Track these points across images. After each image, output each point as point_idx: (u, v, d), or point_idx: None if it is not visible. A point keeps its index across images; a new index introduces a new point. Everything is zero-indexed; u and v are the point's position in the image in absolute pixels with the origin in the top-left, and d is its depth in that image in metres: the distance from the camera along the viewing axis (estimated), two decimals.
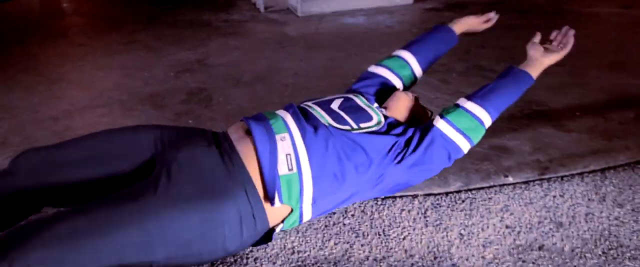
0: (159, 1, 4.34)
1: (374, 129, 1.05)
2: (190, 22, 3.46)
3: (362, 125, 1.05)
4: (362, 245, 1.11)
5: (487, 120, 1.10)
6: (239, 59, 2.58)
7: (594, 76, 2.01)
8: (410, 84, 1.34)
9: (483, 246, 1.08)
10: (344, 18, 3.30)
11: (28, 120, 1.91)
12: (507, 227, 1.14)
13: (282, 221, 1.00)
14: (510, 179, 1.33)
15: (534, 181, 1.32)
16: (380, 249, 1.09)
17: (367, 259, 1.06)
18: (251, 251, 1.10)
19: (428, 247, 1.09)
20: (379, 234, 1.14)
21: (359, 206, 1.25)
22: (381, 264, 1.05)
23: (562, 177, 1.32)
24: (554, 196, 1.25)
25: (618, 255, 1.03)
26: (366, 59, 2.43)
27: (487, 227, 1.14)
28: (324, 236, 1.14)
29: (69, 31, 3.43)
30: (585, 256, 1.04)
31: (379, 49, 2.58)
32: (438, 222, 1.17)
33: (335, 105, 1.11)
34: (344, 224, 1.18)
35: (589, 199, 1.23)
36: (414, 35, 2.81)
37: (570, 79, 2.00)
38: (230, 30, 3.17)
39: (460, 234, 1.13)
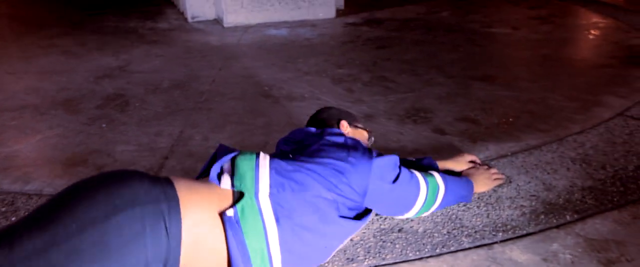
0: (85, 7, 4.28)
1: None
2: (116, 29, 3.47)
3: None
4: None
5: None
6: (160, 66, 2.66)
7: (476, 87, 2.30)
8: None
9: None
10: (267, 30, 3.47)
11: None
12: (375, 215, 1.33)
13: None
14: None
15: None
16: None
17: None
18: None
19: None
20: None
21: None
22: None
23: None
24: None
25: (458, 234, 1.26)
26: (282, 69, 2.60)
27: None
28: None
29: None
30: (433, 235, 1.25)
31: (295, 59, 2.77)
32: None
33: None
34: None
35: None
36: (330, 47, 3.04)
37: (457, 89, 2.27)
38: (155, 38, 3.23)
39: None
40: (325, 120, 1.41)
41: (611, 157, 1.60)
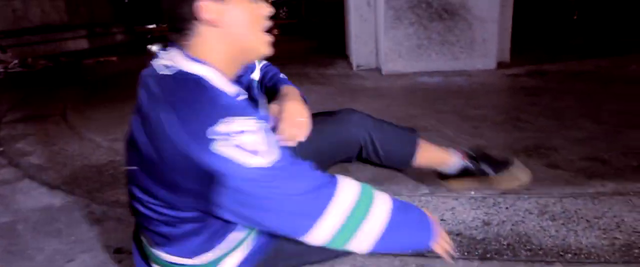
0: (280, 60, 5.21)
1: None
2: (292, 73, 4.15)
3: None
4: None
5: None
6: (314, 100, 3.09)
7: (630, 136, 2.02)
8: None
9: None
10: (421, 77, 3.65)
11: None
12: None
13: None
14: None
15: None
16: None
17: None
18: None
19: None
20: None
21: None
22: None
23: None
24: None
25: (517, 246, 1.19)
26: (418, 107, 2.74)
27: None
28: None
29: None
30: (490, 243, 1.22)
31: (435, 100, 2.87)
32: None
33: None
34: None
35: None
36: (476, 92, 3.04)
37: (602, 135, 2.04)
38: (320, 81, 3.75)
39: None
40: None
41: None
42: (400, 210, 0.91)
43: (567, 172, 1.64)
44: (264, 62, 1.28)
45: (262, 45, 0.88)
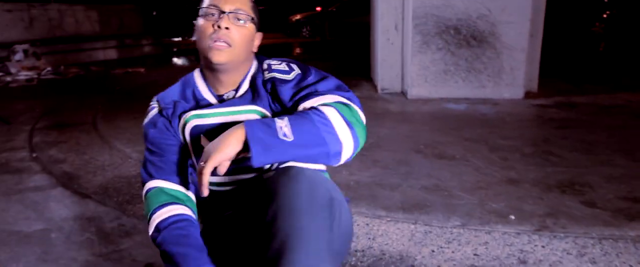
0: None
1: None
2: None
3: None
4: None
5: None
6: None
7: None
8: None
9: None
10: (447, 103, 3.63)
11: None
12: None
13: None
14: None
15: None
16: None
17: None
18: None
19: None
20: None
21: None
22: None
23: None
24: None
25: None
26: (445, 134, 2.73)
27: None
28: None
29: None
30: None
31: (462, 128, 2.85)
32: None
33: None
34: None
35: None
36: (504, 122, 3.01)
37: None
38: None
39: None
40: None
41: None
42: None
43: (605, 212, 1.60)
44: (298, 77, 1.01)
45: (208, 52, 0.96)
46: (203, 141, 0.98)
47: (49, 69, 5.73)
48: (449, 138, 2.64)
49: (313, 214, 0.79)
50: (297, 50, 9.83)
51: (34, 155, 2.53)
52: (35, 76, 5.40)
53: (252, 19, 0.99)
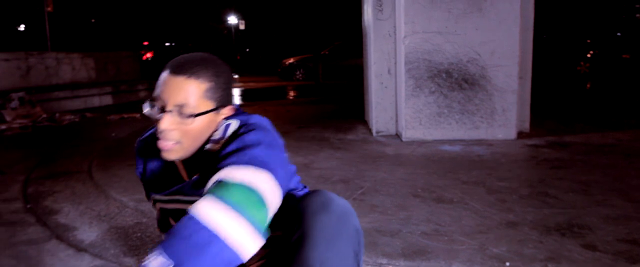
0: (296, 122, 5.31)
1: None
2: (313, 138, 4.21)
3: None
4: None
5: None
6: (336, 166, 3.12)
7: None
8: None
9: None
10: (442, 145, 3.67)
11: None
12: None
13: None
14: None
15: None
16: None
17: None
18: None
19: None
20: None
21: None
22: None
23: None
24: None
25: None
26: (442, 177, 2.74)
27: None
28: None
29: None
30: None
31: (458, 170, 2.87)
32: None
33: None
34: None
35: None
36: (499, 163, 3.04)
37: (638, 214, 2.01)
38: (340, 146, 3.79)
39: None
40: None
41: None
42: None
43: (606, 255, 1.60)
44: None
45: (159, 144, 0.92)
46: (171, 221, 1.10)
47: (44, 116, 5.74)
48: (446, 181, 2.65)
49: (339, 246, 0.83)
50: (292, 93, 9.96)
51: (28, 206, 2.49)
52: (30, 124, 5.41)
53: (204, 112, 0.89)
